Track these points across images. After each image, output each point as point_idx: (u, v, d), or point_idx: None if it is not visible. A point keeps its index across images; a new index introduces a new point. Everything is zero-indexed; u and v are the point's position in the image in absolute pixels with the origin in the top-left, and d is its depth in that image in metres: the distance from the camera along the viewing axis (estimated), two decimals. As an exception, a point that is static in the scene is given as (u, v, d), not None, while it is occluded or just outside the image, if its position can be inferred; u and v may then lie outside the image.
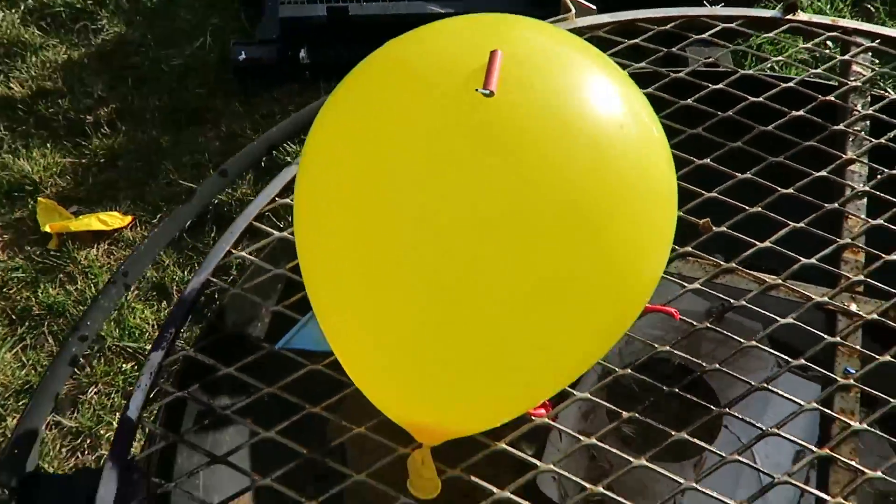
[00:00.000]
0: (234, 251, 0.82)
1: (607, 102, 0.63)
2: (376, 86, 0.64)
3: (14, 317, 1.82)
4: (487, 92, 0.57)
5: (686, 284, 0.80)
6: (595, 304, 0.63)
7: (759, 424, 0.72)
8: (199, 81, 2.24)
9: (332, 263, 0.64)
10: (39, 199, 1.99)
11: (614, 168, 0.60)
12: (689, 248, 0.82)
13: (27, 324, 1.81)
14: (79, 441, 1.70)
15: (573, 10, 0.99)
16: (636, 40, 0.97)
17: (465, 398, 0.65)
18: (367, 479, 0.69)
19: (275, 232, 0.83)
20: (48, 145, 2.09)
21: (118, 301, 0.91)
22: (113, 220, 1.96)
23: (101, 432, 1.73)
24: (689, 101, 0.92)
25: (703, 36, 0.98)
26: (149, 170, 2.07)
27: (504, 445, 0.71)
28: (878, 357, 0.76)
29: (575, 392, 0.74)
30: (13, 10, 2.40)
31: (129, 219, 1.96)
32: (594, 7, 1.02)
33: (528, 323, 0.61)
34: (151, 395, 0.75)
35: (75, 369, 1.72)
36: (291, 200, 0.86)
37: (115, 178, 2.05)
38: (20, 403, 1.73)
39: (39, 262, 1.89)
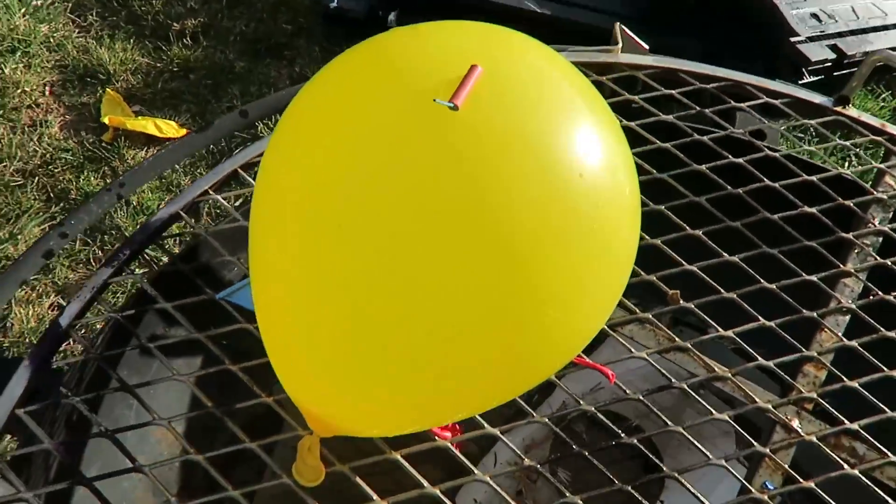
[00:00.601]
0: (210, 192, 0.84)
1: (578, 149, 0.61)
2: (354, 76, 0.64)
3: (52, 195, 1.89)
4: (451, 105, 0.57)
5: (634, 351, 0.78)
6: (515, 339, 0.62)
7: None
8: (288, 17, 2.26)
9: (274, 229, 0.64)
10: (108, 90, 2.05)
11: (561, 211, 0.59)
12: (650, 315, 0.80)
13: (61, 204, 1.87)
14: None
15: (620, 44, 0.96)
16: (673, 91, 0.94)
17: (366, 398, 0.65)
18: (255, 447, 0.70)
19: (254, 183, 0.84)
20: (131, 41, 2.15)
21: (107, 209, 0.94)
22: (168, 128, 2.01)
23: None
24: (704, 167, 0.89)
25: (742, 106, 0.94)
26: (216, 90, 2.11)
27: (398, 456, 0.71)
28: (801, 482, 0.73)
29: (475, 470, 0.71)
30: None
31: (183, 131, 2.01)
32: (647, 47, 1.00)
33: (440, 343, 0.61)
34: (88, 312, 0.77)
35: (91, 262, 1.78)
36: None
37: (183, 90, 2.10)
38: (34, 280, 1.80)
39: (90, 149, 1.96)
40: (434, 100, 0.56)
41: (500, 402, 0.69)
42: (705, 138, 0.91)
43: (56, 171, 1.91)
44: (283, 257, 0.63)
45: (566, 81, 0.66)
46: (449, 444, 0.73)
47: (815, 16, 2.05)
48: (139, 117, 2.01)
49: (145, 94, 2.08)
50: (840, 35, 2.04)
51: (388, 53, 0.64)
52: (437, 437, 0.74)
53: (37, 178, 1.90)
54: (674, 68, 0.96)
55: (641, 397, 0.75)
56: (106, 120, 1.99)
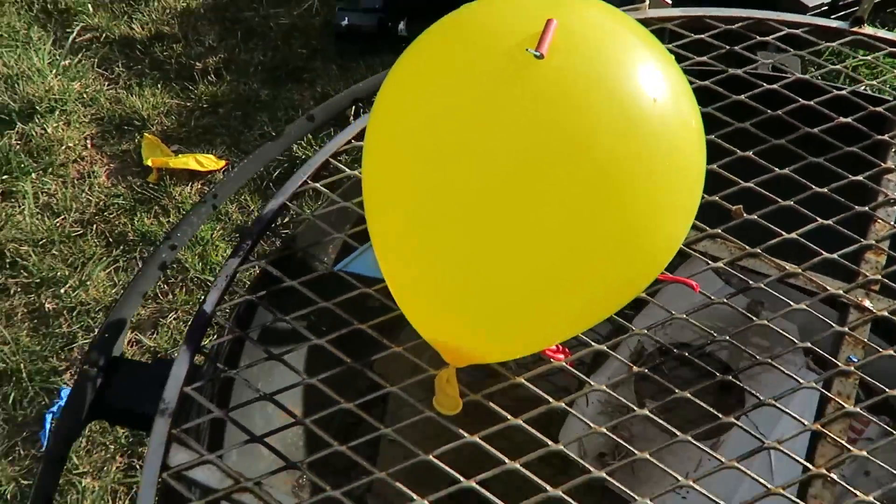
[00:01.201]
0: (309, 182, 0.93)
1: (646, 78, 0.70)
2: (444, 41, 0.73)
3: (111, 240, 1.99)
4: (538, 54, 0.66)
5: (710, 262, 0.87)
6: (612, 257, 0.70)
7: (759, 396, 0.79)
8: (302, 42, 2.38)
9: (389, 192, 0.74)
10: (145, 134, 2.16)
11: (641, 135, 0.68)
12: (719, 230, 0.89)
13: (121, 248, 1.98)
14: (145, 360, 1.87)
15: (647, 1, 1.06)
16: (702, 35, 1.04)
17: (490, 325, 0.74)
18: (398, 391, 0.79)
19: (347, 169, 0.94)
20: (159, 86, 2.27)
21: (205, 219, 1.03)
22: (209, 162, 2.11)
23: (176, 354, 1.89)
24: (742, 96, 0.98)
25: (769, 39, 1.04)
26: (246, 119, 2.22)
27: (522, 380, 0.80)
28: (881, 350, 0.81)
29: (591, 382, 0.80)
30: (142, -41, 2.59)
31: (222, 163, 2.12)
32: (669, 1, 1.09)
33: (551, 265, 0.70)
34: (225, 297, 0.86)
35: (159, 295, 1.88)
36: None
37: (215, 124, 2.20)
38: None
39: (139, 192, 2.06)
40: (526, 49, 0.66)
41: (603, 316, 0.78)
42: (740, 71, 1.00)
43: (111, 216, 2.02)
44: (406, 215, 0.73)
45: (625, 27, 0.75)
46: (564, 364, 0.82)
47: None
48: (179, 155, 2.12)
49: (181, 133, 2.19)
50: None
51: (469, 24, 0.74)
52: (552, 360, 0.83)
53: (94, 225, 2.00)
54: (699, 15, 1.06)
55: (723, 337, 0.83)
56: (149, 162, 2.10)
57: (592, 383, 0.81)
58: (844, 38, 1.05)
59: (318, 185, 0.94)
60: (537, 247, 0.69)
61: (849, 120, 0.97)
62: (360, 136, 0.97)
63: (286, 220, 1.01)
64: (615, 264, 0.71)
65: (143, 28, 2.40)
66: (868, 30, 1.05)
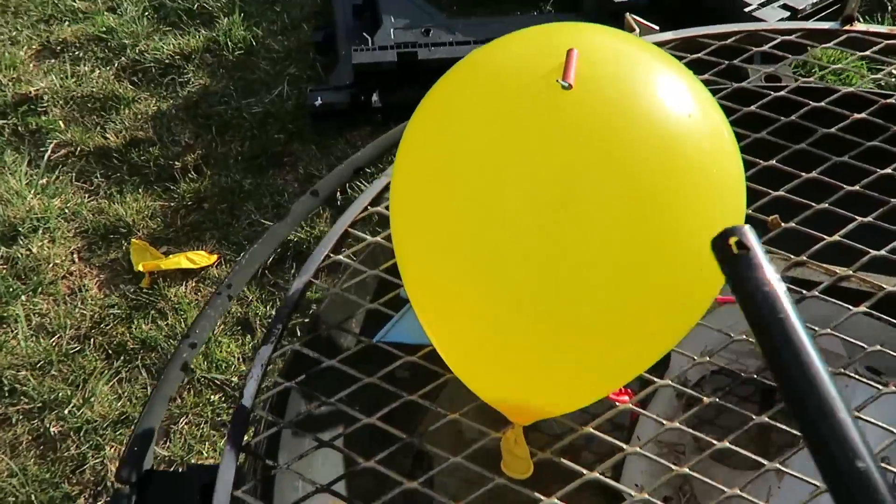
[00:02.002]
0: (332, 255, 0.90)
1: (676, 95, 0.68)
2: (466, 83, 0.71)
3: (110, 351, 1.93)
4: (567, 84, 0.64)
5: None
6: (672, 282, 0.67)
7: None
8: (278, 127, 2.36)
9: (428, 253, 0.70)
10: (133, 240, 2.12)
11: (682, 151, 0.66)
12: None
13: (122, 358, 1.92)
14: (171, 469, 1.79)
15: (637, 30, 1.05)
16: (699, 55, 1.03)
17: (552, 378, 0.70)
18: (462, 460, 0.74)
19: (368, 237, 0.90)
20: (140, 190, 2.24)
21: (223, 311, 0.99)
22: (200, 258, 2.07)
23: (193, 461, 1.82)
24: (753, 107, 0.96)
25: (765, 48, 1.03)
26: (232, 211, 2.18)
27: (590, 429, 0.76)
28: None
29: (663, 421, 0.76)
30: (107, 68, 2.59)
31: (214, 257, 2.07)
32: (657, 27, 1.08)
33: (613, 301, 0.66)
34: (262, 386, 0.81)
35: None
36: (383, 209, 0.94)
37: (202, 220, 2.17)
38: (118, 433, 1.83)
39: (133, 299, 2.01)
40: (556, 80, 0.63)
41: (666, 349, 0.74)
42: (743, 84, 0.99)
43: (107, 328, 1.96)
44: (450, 276, 0.68)
45: (642, 50, 0.73)
46: (632, 406, 0.78)
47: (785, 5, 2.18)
48: (170, 256, 2.08)
49: (168, 234, 2.15)
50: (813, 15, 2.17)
51: (488, 64, 0.71)
52: (616, 403, 0.78)
53: (92, 339, 1.94)
54: (692, 36, 1.05)
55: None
56: (139, 267, 2.05)
57: (665, 422, 0.76)
58: (839, 38, 1.04)
59: (340, 256, 0.90)
60: (598, 285, 0.65)
61: (864, 115, 0.95)
62: (375, 201, 0.94)
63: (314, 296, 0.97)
64: (676, 290, 0.68)
65: (118, 136, 2.38)
66: (860, 26, 1.05)
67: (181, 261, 2.05)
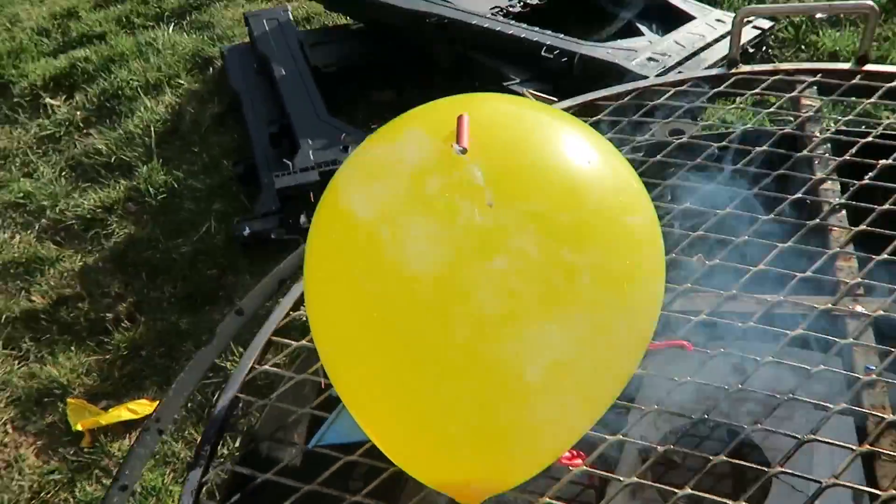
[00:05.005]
0: (257, 366, 0.85)
1: (573, 146, 0.68)
2: (355, 172, 0.69)
3: (55, 521, 1.81)
4: (460, 149, 0.63)
5: (693, 318, 0.82)
6: (604, 336, 0.65)
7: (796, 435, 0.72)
8: (209, 264, 2.33)
9: (354, 359, 0.67)
10: (69, 400, 2.02)
11: (590, 200, 0.65)
12: (689, 285, 0.85)
13: (69, 525, 1.79)
14: None
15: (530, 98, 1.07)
16: (599, 116, 1.05)
17: (494, 454, 0.66)
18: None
19: (293, 342, 0.87)
20: (72, 348, 2.16)
21: (153, 447, 0.93)
22: (142, 407, 1.99)
23: None
24: (659, 157, 0.98)
25: (663, 101, 1.05)
26: (171, 353, 2.12)
27: (548, 500, 0.71)
28: (893, 350, 0.77)
29: (620, 478, 0.73)
30: (28, 231, 2.54)
31: (155, 403, 1.99)
32: (554, 98, 1.11)
33: (549, 371, 0.63)
34: (195, 514, 0.75)
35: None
36: (304, 313, 0.90)
37: (140, 368, 2.09)
38: None
39: (74, 461, 1.90)
40: (452, 145, 0.63)
41: (610, 402, 0.71)
42: (650, 138, 1.01)
43: (48, 496, 1.84)
44: (379, 376, 0.65)
45: (531, 108, 0.74)
46: (585, 467, 0.74)
47: (651, 59, 2.29)
48: (109, 410, 1.99)
49: (106, 388, 2.06)
50: (680, 63, 2.28)
51: (384, 139, 0.71)
52: (570, 467, 0.74)
53: (33, 511, 1.82)
54: (590, 100, 1.07)
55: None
56: (78, 427, 1.96)
57: (623, 478, 0.72)
58: (728, 81, 1.08)
59: (266, 366, 0.86)
60: (531, 355, 0.63)
61: (765, 147, 0.97)
62: (296, 306, 0.91)
63: (241, 413, 0.92)
64: (610, 342, 0.66)
65: (44, 297, 2.32)
66: (745, 68, 1.09)
67: (122, 413, 1.96)
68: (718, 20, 2.55)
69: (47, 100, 3.12)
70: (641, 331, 0.69)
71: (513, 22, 2.54)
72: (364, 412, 0.69)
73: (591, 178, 0.67)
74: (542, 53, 2.35)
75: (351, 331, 0.67)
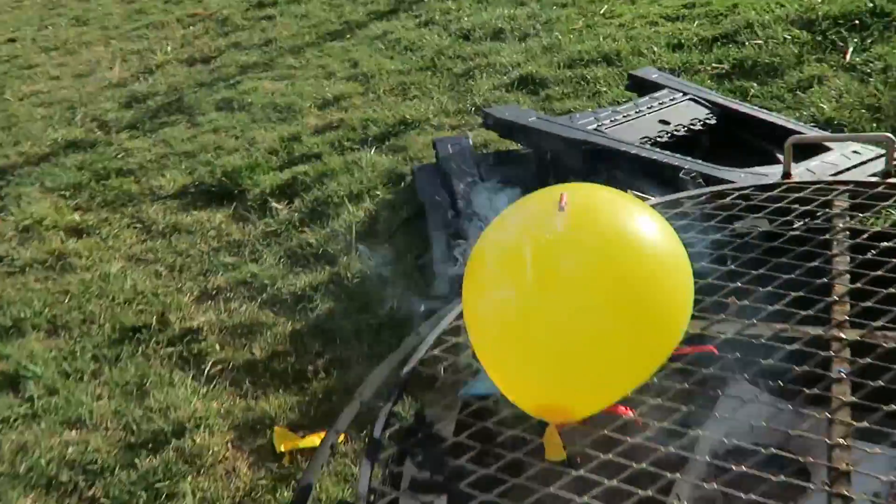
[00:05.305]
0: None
1: (647, 226, 1.12)
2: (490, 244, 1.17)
3: (259, 517, 2.31)
4: (562, 206, 1.09)
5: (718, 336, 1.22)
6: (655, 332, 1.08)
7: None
8: (391, 332, 2.86)
9: (491, 333, 1.13)
10: (275, 428, 2.57)
11: (654, 259, 1.09)
12: (723, 315, 1.25)
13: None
14: None
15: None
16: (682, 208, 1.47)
17: (578, 388, 1.09)
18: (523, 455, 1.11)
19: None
20: (280, 390, 2.73)
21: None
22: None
23: None
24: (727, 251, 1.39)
25: (725, 201, 1.47)
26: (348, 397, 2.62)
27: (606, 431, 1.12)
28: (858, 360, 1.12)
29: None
30: (252, 303, 3.19)
31: (343, 435, 2.49)
32: (650, 196, 1.54)
33: (612, 345, 1.07)
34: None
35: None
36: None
37: (331, 408, 2.62)
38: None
39: (277, 473, 2.43)
40: (559, 204, 1.09)
41: (654, 371, 1.12)
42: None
43: (257, 496, 2.36)
44: (504, 339, 1.11)
45: (616, 196, 1.20)
46: (633, 416, 1.14)
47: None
48: (306, 436, 2.50)
49: (304, 421, 2.59)
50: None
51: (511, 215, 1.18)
52: (622, 415, 1.14)
53: (244, 508, 2.34)
54: (672, 199, 1.51)
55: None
56: (281, 449, 2.48)
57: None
58: (781, 188, 1.47)
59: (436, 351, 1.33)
60: (609, 338, 1.06)
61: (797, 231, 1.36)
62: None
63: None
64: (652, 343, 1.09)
65: (262, 352, 2.93)
66: (795, 177, 1.48)
67: (316, 440, 2.47)
68: (855, 152, 2.82)
69: (273, 203, 3.87)
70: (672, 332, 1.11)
71: (657, 150, 3.00)
72: (494, 363, 1.14)
73: (642, 234, 1.10)
74: (681, 175, 2.77)
75: (493, 306, 1.12)
